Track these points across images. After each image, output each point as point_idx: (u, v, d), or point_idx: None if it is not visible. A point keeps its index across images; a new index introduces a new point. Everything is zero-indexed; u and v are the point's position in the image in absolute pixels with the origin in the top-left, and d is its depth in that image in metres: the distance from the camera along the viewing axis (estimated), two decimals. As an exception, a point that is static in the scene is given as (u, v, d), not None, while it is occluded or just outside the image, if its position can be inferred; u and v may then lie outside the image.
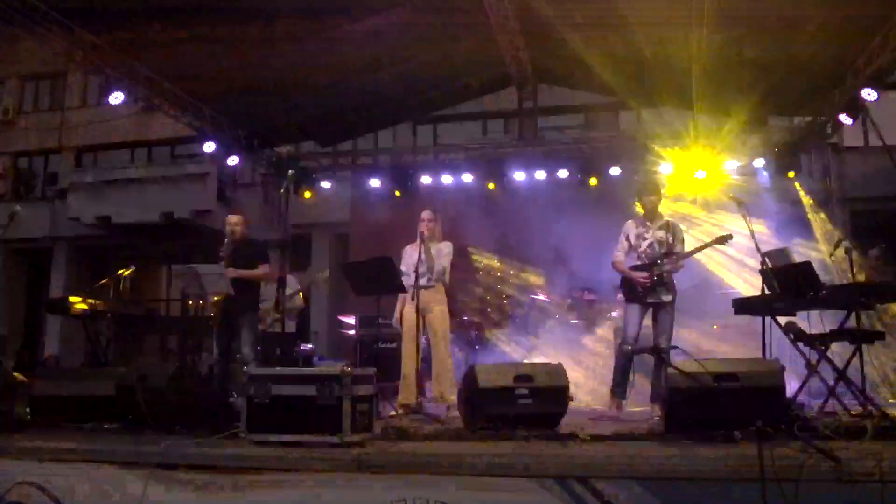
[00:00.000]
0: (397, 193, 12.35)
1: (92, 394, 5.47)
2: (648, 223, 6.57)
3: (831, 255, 7.10)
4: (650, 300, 6.39)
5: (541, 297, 10.25)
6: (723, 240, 6.41)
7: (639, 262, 6.52)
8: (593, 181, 11.80)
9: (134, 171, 18.68)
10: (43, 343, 19.14)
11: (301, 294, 9.35)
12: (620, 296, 6.86)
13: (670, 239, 6.47)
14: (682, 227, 6.83)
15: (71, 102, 20.83)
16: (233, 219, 6.89)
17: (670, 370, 4.43)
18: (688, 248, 6.52)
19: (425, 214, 6.68)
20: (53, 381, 5.71)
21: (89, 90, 20.78)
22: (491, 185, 12.12)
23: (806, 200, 11.55)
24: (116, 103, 9.29)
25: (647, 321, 6.55)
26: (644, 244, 6.53)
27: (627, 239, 6.62)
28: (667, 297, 6.38)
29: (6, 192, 20.82)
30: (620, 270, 6.59)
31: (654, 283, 6.36)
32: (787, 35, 8.40)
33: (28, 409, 5.37)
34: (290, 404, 4.18)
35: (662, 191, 7.01)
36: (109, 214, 17.94)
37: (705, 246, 6.46)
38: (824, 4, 7.78)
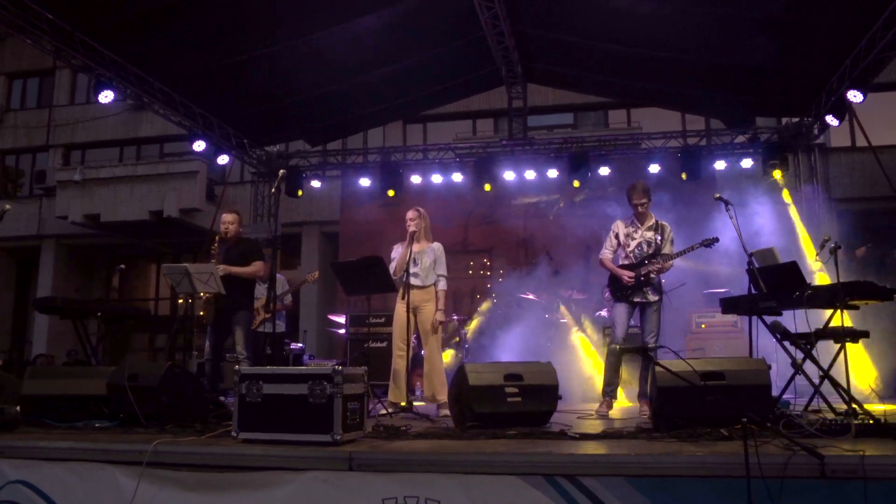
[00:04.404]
0: (391, 193, 12.36)
1: (83, 393, 5.48)
2: (639, 223, 6.61)
3: (817, 254, 7.17)
4: (637, 299, 6.44)
5: (530, 296, 10.29)
6: (709, 242, 6.48)
7: (626, 262, 6.57)
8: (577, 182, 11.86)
9: (122, 168, 18.58)
10: (31, 342, 19.03)
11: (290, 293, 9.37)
12: (608, 295, 6.90)
13: (659, 240, 6.50)
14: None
15: (59, 100, 20.74)
16: (228, 217, 6.90)
17: (658, 369, 4.48)
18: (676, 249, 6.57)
19: (410, 214, 6.68)
20: (44, 381, 5.69)
21: (77, 88, 20.70)
22: (487, 187, 12.12)
23: (790, 198, 11.63)
24: (106, 102, 9.26)
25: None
26: (633, 244, 6.57)
27: (616, 237, 6.66)
28: (654, 297, 6.43)
29: (-7, 190, 20.73)
30: (607, 267, 6.63)
31: (640, 283, 6.41)
32: (775, 37, 8.49)
33: (19, 409, 5.36)
34: (282, 403, 4.19)
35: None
36: (98, 212, 17.82)
37: (692, 248, 6.50)
38: (812, 7, 7.87)
